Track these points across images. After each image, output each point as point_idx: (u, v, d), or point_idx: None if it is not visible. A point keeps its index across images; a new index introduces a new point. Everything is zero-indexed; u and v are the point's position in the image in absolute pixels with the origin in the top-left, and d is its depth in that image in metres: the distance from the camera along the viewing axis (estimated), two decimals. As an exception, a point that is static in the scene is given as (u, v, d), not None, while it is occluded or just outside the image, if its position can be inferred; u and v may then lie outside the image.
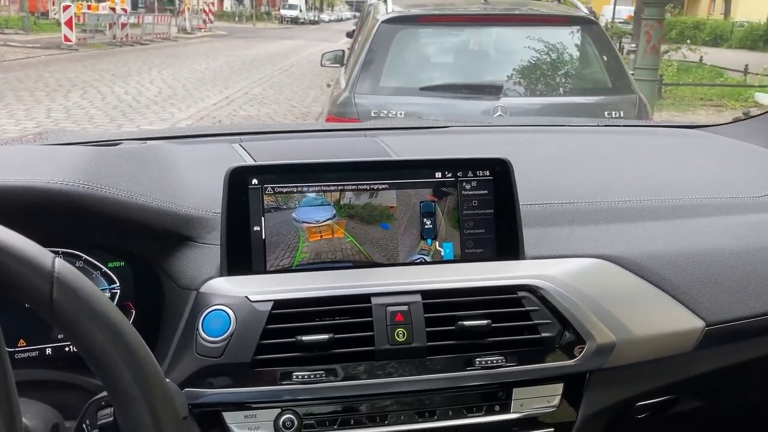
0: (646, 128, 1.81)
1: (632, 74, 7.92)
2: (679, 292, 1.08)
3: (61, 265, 0.59)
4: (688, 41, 20.01)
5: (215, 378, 0.93)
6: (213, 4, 36.48)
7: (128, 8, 23.05)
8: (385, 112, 3.42)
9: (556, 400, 1.03)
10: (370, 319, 0.96)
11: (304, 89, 11.42)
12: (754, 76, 13.52)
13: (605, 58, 3.70)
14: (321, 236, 1.00)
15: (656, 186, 1.28)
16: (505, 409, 1.01)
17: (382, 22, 3.67)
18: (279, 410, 0.95)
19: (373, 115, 3.42)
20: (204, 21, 29.38)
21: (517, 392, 1.01)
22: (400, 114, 3.41)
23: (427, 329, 0.96)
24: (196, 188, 1.09)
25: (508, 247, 1.05)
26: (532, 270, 1.03)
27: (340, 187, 1.01)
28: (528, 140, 1.55)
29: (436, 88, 3.52)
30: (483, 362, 0.98)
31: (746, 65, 14.03)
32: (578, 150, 1.51)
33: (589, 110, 3.51)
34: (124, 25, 19.72)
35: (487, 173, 1.05)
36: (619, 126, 1.79)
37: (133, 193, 0.98)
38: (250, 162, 1.20)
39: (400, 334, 0.96)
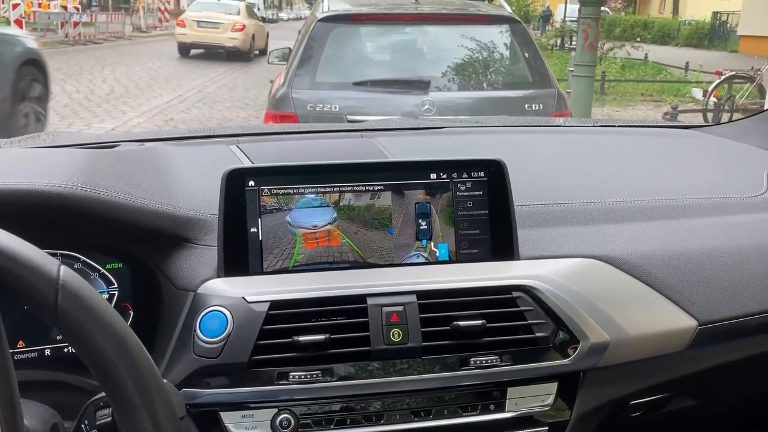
0: (640, 128, 1.83)
1: (572, 70, 8.25)
2: (672, 292, 1.09)
3: (66, 272, 0.60)
4: (638, 39, 20.63)
5: (213, 378, 0.94)
6: (169, 2, 36.05)
7: (81, 7, 22.72)
8: (321, 106, 3.61)
9: (551, 399, 1.04)
10: (366, 319, 0.97)
11: (258, 88, 11.51)
12: (693, 72, 14.08)
13: (527, 54, 3.96)
14: (317, 243, 1.02)
15: (650, 186, 1.29)
16: (500, 408, 1.03)
17: (318, 20, 3.87)
18: (276, 410, 0.96)
19: (309, 109, 3.61)
20: (159, 19, 29.05)
21: (511, 391, 1.03)
22: (335, 108, 3.60)
23: (423, 329, 0.98)
24: (193, 190, 1.10)
25: (503, 247, 1.06)
26: (526, 270, 1.05)
27: (336, 189, 1.02)
28: (523, 141, 1.57)
29: (368, 83, 3.73)
30: (478, 362, 0.99)
31: (687, 62, 14.60)
32: (572, 150, 1.53)
33: (511, 104, 3.76)
34: (76, 24, 19.43)
35: (482, 174, 1.07)
36: (614, 126, 1.79)
37: (130, 195, 0.99)
38: (247, 163, 1.22)
39: (396, 335, 0.97)
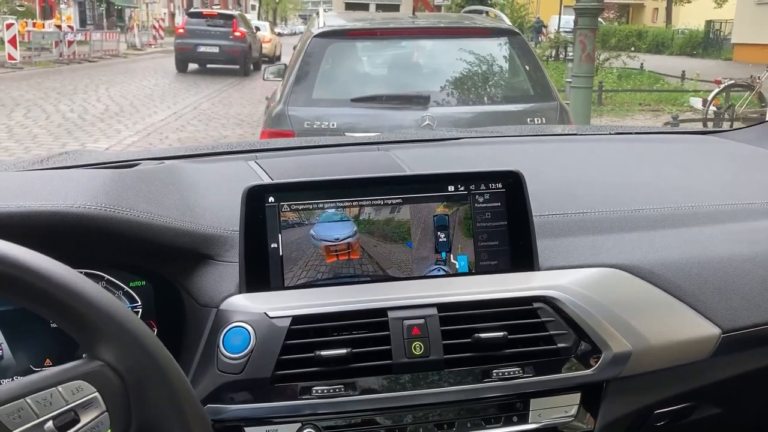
0: (659, 135, 1.83)
1: (569, 81, 8.19)
2: (694, 300, 1.08)
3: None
4: (633, 48, 20.63)
5: (236, 393, 0.94)
6: (163, 19, 36.12)
7: (75, 25, 22.73)
8: (318, 123, 3.53)
9: (574, 410, 1.04)
10: (388, 333, 0.97)
11: (253, 104, 11.44)
12: (690, 81, 14.05)
13: (528, 67, 3.88)
14: (338, 257, 1.02)
15: (670, 193, 1.28)
16: (523, 419, 1.02)
17: (314, 36, 3.78)
18: (299, 424, 0.96)
19: (306, 126, 3.52)
20: (154, 37, 29.09)
21: (534, 403, 1.02)
22: (333, 125, 3.52)
23: (444, 342, 0.97)
24: (214, 207, 1.11)
25: (523, 258, 1.06)
26: (546, 281, 1.04)
27: (355, 203, 1.03)
28: (539, 150, 1.55)
29: (366, 100, 3.64)
30: (500, 374, 0.99)
31: (683, 71, 14.59)
32: (590, 159, 1.51)
33: (513, 118, 3.67)
34: (71, 43, 19.41)
35: (500, 185, 1.06)
36: (631, 133, 1.78)
37: (153, 214, 1.00)
38: (265, 179, 1.23)
39: (418, 348, 0.97)
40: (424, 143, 1.63)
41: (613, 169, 1.45)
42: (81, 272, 0.96)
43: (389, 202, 1.04)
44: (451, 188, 1.06)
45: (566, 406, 1.03)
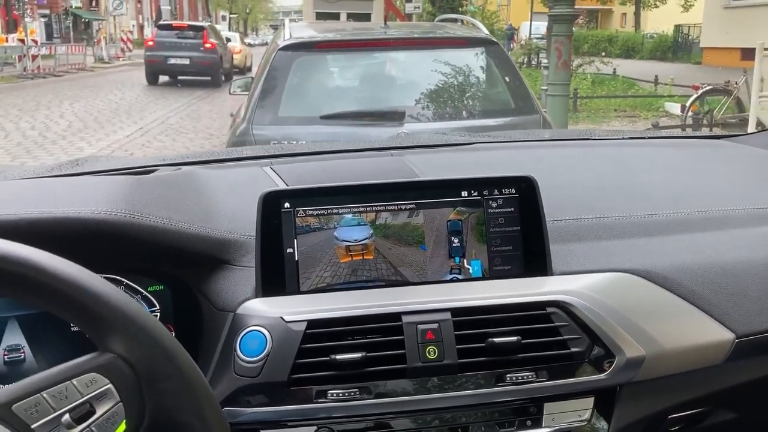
0: (671, 140, 1.84)
1: (545, 89, 8.03)
2: (708, 305, 1.08)
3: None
4: (603, 54, 20.69)
5: (253, 397, 0.96)
6: (131, 32, 35.58)
7: (41, 39, 22.18)
8: (285, 142, 3.27)
9: (588, 414, 1.04)
10: (402, 337, 0.98)
11: (222, 117, 11.12)
12: (663, 86, 14.04)
13: (507, 78, 3.67)
14: (352, 258, 1.03)
15: (683, 198, 1.28)
16: (537, 423, 1.03)
17: (280, 49, 3.53)
18: (315, 427, 0.98)
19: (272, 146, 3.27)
20: (122, 49, 28.58)
21: (548, 407, 1.03)
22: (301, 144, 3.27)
23: (458, 346, 0.98)
24: (230, 212, 1.13)
25: (536, 263, 1.07)
26: (560, 285, 1.05)
27: (370, 208, 1.04)
28: (552, 155, 1.55)
29: (337, 116, 3.38)
30: (514, 378, 1.00)
31: (656, 76, 14.60)
32: (603, 163, 1.51)
33: (494, 132, 3.46)
34: (35, 57, 18.91)
35: (513, 191, 1.07)
36: (644, 138, 1.79)
37: (171, 219, 1.02)
38: (281, 184, 1.25)
39: (432, 352, 0.97)
40: (437, 148, 1.62)
41: (626, 174, 1.43)
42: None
43: (403, 207, 1.05)
44: (464, 193, 1.06)
45: (580, 411, 1.04)
